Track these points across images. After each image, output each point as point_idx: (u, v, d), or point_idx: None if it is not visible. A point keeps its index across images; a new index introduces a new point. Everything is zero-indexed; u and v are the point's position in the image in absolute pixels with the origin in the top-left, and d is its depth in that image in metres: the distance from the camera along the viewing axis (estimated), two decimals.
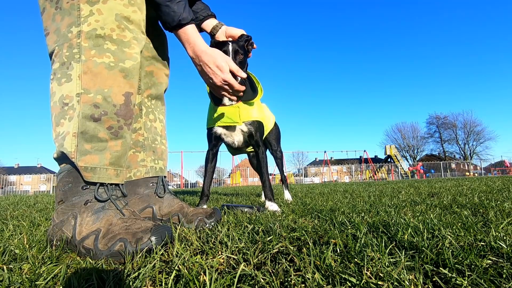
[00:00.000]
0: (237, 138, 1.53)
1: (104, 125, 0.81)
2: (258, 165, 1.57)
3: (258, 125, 1.52)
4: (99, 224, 0.76)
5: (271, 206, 1.41)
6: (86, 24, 0.81)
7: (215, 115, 1.46)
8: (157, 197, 1.10)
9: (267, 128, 1.77)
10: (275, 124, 2.06)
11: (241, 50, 1.33)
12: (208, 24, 1.39)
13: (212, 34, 1.42)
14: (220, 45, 1.32)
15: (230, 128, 1.49)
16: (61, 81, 0.81)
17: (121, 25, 0.85)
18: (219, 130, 1.50)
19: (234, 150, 1.85)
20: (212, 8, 1.38)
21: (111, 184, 0.84)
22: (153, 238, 0.70)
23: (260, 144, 1.54)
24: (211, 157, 1.60)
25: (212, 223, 0.99)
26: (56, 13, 0.83)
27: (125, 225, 0.76)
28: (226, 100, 1.43)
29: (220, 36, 1.40)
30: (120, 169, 0.86)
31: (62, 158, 0.83)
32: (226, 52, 1.27)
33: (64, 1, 0.82)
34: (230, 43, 1.31)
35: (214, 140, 1.54)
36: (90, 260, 0.67)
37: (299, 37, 74.45)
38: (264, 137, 1.75)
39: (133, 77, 0.88)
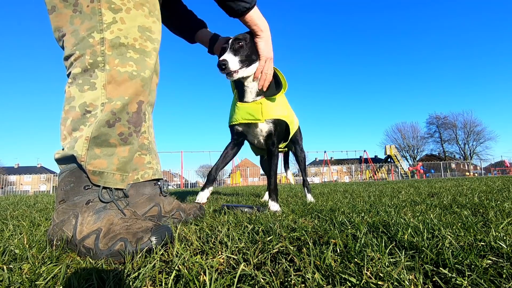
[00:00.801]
0: (258, 137, 1.49)
1: (116, 131, 0.82)
2: (269, 165, 1.51)
3: (279, 124, 1.47)
4: (100, 224, 0.76)
5: (273, 206, 1.40)
6: (109, 31, 0.81)
7: (237, 111, 1.43)
8: (161, 196, 1.20)
9: (293, 127, 1.68)
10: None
11: (240, 39, 1.29)
12: (203, 36, 1.42)
13: (208, 47, 1.44)
14: (223, 40, 1.35)
15: (252, 126, 1.45)
16: (83, 88, 0.81)
17: (143, 36, 0.87)
18: (240, 128, 1.48)
19: (257, 149, 1.83)
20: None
21: (116, 189, 0.85)
22: (153, 238, 0.70)
23: (275, 144, 1.49)
24: (232, 146, 1.56)
25: (202, 214, 1.25)
26: (75, 16, 0.82)
27: (126, 225, 0.76)
28: (248, 97, 1.40)
29: (218, 47, 1.40)
30: (126, 175, 0.87)
31: (67, 159, 0.83)
32: (221, 55, 1.28)
33: (84, 4, 0.81)
34: (228, 43, 1.31)
35: (236, 135, 1.52)
36: (90, 260, 0.67)
37: (299, 37, 74.53)
38: (290, 137, 1.70)
39: (148, 87, 0.90)
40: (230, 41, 1.29)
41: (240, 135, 1.52)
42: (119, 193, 0.86)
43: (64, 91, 0.85)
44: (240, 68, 1.27)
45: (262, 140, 1.50)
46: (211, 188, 1.51)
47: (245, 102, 1.41)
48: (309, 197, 1.98)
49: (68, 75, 0.85)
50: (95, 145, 0.80)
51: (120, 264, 0.65)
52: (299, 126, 2.03)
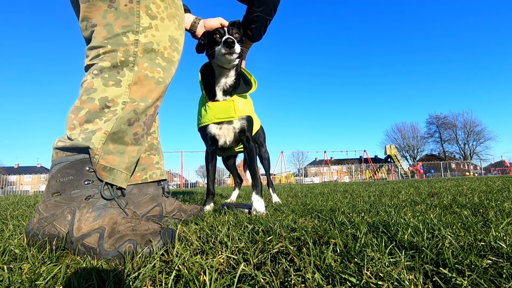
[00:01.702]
0: (229, 136, 1.48)
1: (133, 130, 0.84)
2: (249, 160, 1.51)
3: (250, 120, 1.49)
4: (101, 222, 0.74)
5: (258, 202, 1.33)
6: (144, 35, 0.84)
7: (208, 111, 1.43)
8: (163, 197, 1.23)
9: (256, 127, 1.72)
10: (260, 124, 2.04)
11: (236, 29, 1.36)
12: (187, 21, 1.42)
13: (192, 31, 1.44)
14: (214, 33, 1.35)
15: (224, 124, 1.45)
16: (108, 83, 0.81)
17: (172, 46, 0.91)
18: (213, 128, 1.46)
19: (224, 150, 1.78)
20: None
21: (118, 188, 0.84)
22: (161, 242, 0.70)
23: (250, 139, 1.50)
24: (211, 156, 1.58)
25: (202, 214, 1.26)
26: (109, 12, 0.82)
27: (131, 225, 0.75)
28: (219, 95, 1.41)
29: (200, 31, 1.42)
30: (129, 175, 0.88)
31: (75, 149, 0.79)
32: (222, 35, 1.31)
33: (122, 2, 0.82)
34: (225, 28, 1.34)
35: (210, 140, 1.51)
36: (90, 259, 0.67)
37: (299, 37, 74.53)
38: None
39: (165, 93, 0.94)
40: (226, 28, 1.34)
41: (212, 139, 1.50)
42: (118, 192, 0.85)
43: (84, 80, 0.83)
44: (238, 56, 1.31)
45: (233, 138, 1.50)
46: (212, 204, 1.55)
47: (216, 101, 1.42)
48: (275, 197, 1.98)
49: (90, 66, 0.84)
50: (111, 141, 0.80)
51: (120, 264, 0.65)
52: (262, 127, 2.04)
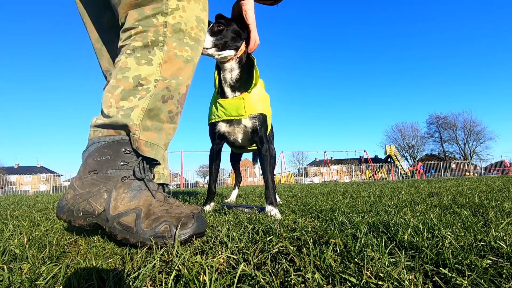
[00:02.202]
0: (240, 134, 1.44)
1: (167, 108, 0.86)
2: (261, 164, 1.43)
3: (263, 119, 1.42)
4: (137, 203, 0.77)
5: (272, 211, 1.24)
6: (172, 16, 0.86)
7: (219, 108, 1.40)
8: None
9: (269, 124, 1.61)
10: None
11: (218, 22, 1.33)
12: None
13: None
14: None
15: (234, 122, 1.41)
16: (140, 61, 0.84)
17: (198, 26, 0.93)
18: (222, 126, 1.43)
19: (238, 148, 1.75)
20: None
21: (149, 166, 0.85)
22: (195, 225, 0.73)
23: (264, 141, 1.42)
24: (215, 155, 1.54)
25: (202, 214, 1.25)
26: None
27: (164, 208, 0.78)
28: (228, 92, 1.38)
29: None
30: (166, 152, 0.90)
31: (113, 126, 0.83)
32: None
33: None
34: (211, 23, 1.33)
35: (218, 138, 1.47)
36: (92, 259, 0.67)
37: (299, 36, 74.49)
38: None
39: (194, 72, 0.96)
40: (212, 25, 1.33)
41: (221, 137, 1.47)
42: (150, 175, 0.87)
43: (119, 60, 0.86)
44: (212, 47, 1.29)
45: (245, 137, 1.45)
46: (212, 204, 1.54)
47: (226, 98, 1.39)
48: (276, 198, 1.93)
49: (123, 46, 0.87)
50: (148, 117, 0.83)
51: (120, 265, 0.65)
52: (272, 124, 2.03)
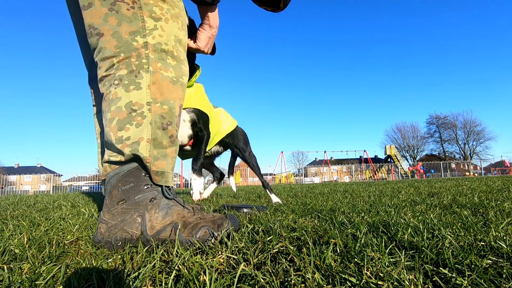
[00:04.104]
0: (180, 130, 1.37)
1: (168, 134, 0.88)
2: (198, 146, 1.52)
3: (200, 113, 1.46)
4: (171, 218, 0.80)
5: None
6: (151, 37, 0.85)
7: None
8: None
9: (220, 125, 1.71)
10: (238, 127, 2.02)
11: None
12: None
13: None
14: None
15: None
16: (129, 88, 0.82)
17: (179, 45, 0.93)
18: None
19: (183, 154, 1.74)
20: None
21: (167, 187, 0.89)
22: (231, 224, 0.80)
23: (203, 129, 1.50)
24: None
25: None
26: (110, 15, 0.82)
27: (197, 216, 0.81)
28: None
29: None
30: (172, 174, 0.92)
31: (129, 160, 0.84)
32: None
33: (124, 6, 0.82)
34: None
35: None
36: (91, 260, 0.67)
37: (299, 36, 74.50)
38: (222, 138, 1.70)
39: (185, 92, 0.96)
40: None
41: None
42: (173, 190, 0.91)
43: (108, 92, 0.84)
44: None
45: (185, 136, 1.47)
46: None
47: None
48: (274, 198, 1.94)
49: (106, 76, 0.85)
50: (153, 147, 0.84)
51: (122, 263, 0.65)
52: (241, 130, 2.01)
